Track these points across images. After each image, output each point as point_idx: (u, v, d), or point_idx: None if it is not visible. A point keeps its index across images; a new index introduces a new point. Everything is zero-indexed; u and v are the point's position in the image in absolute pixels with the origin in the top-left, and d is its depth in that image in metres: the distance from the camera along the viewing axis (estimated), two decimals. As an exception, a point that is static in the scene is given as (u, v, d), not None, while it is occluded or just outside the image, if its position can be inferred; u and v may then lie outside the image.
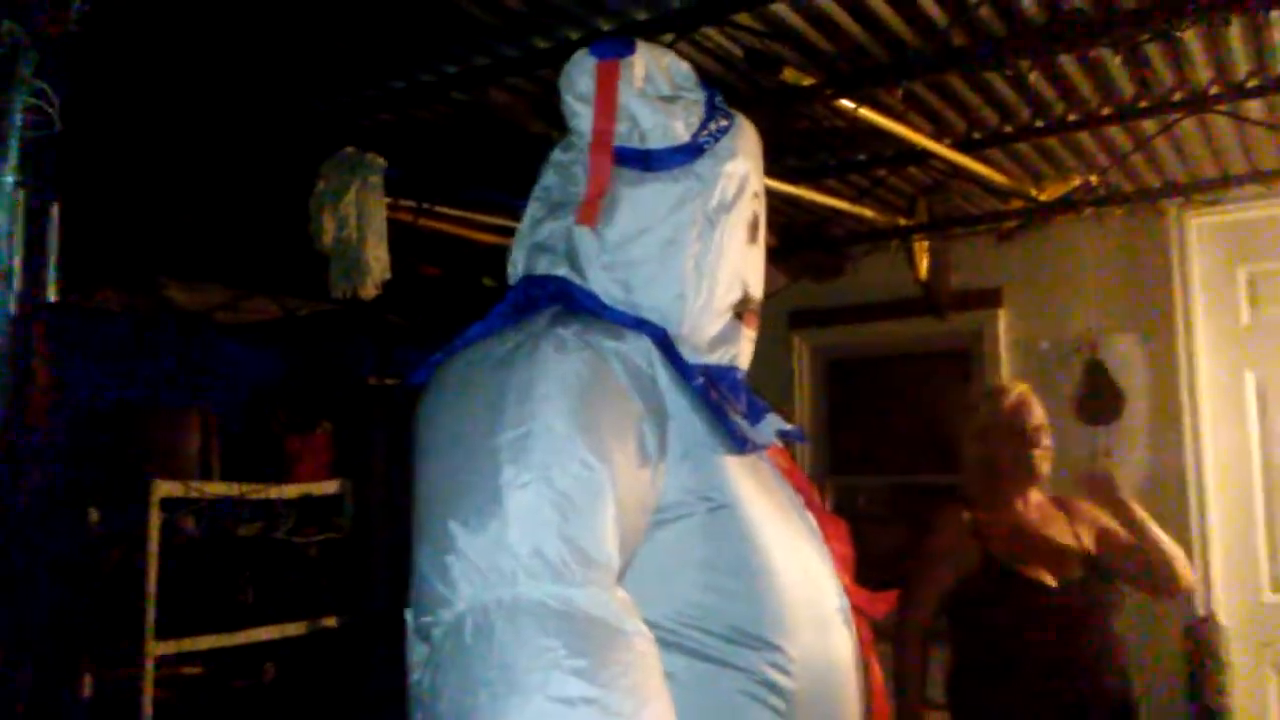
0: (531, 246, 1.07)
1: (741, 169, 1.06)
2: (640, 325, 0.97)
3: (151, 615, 3.33)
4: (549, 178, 1.08)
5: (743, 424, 1.00)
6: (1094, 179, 3.35)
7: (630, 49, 1.05)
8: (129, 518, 3.42)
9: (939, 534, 2.53)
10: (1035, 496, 2.54)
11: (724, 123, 1.07)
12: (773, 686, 0.91)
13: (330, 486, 4.02)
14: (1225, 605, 3.56)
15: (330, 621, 3.93)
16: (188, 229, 3.36)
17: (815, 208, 3.47)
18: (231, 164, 2.93)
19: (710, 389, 0.97)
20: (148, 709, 3.31)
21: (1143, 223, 3.76)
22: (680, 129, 1.03)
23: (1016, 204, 3.50)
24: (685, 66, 1.10)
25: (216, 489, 3.64)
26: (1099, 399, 3.76)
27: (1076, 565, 2.42)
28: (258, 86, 2.64)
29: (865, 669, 1.05)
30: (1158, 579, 2.45)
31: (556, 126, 2.82)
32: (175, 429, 3.59)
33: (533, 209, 1.08)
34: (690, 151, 1.03)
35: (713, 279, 1.03)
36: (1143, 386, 3.75)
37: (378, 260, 2.58)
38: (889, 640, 2.40)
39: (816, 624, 0.97)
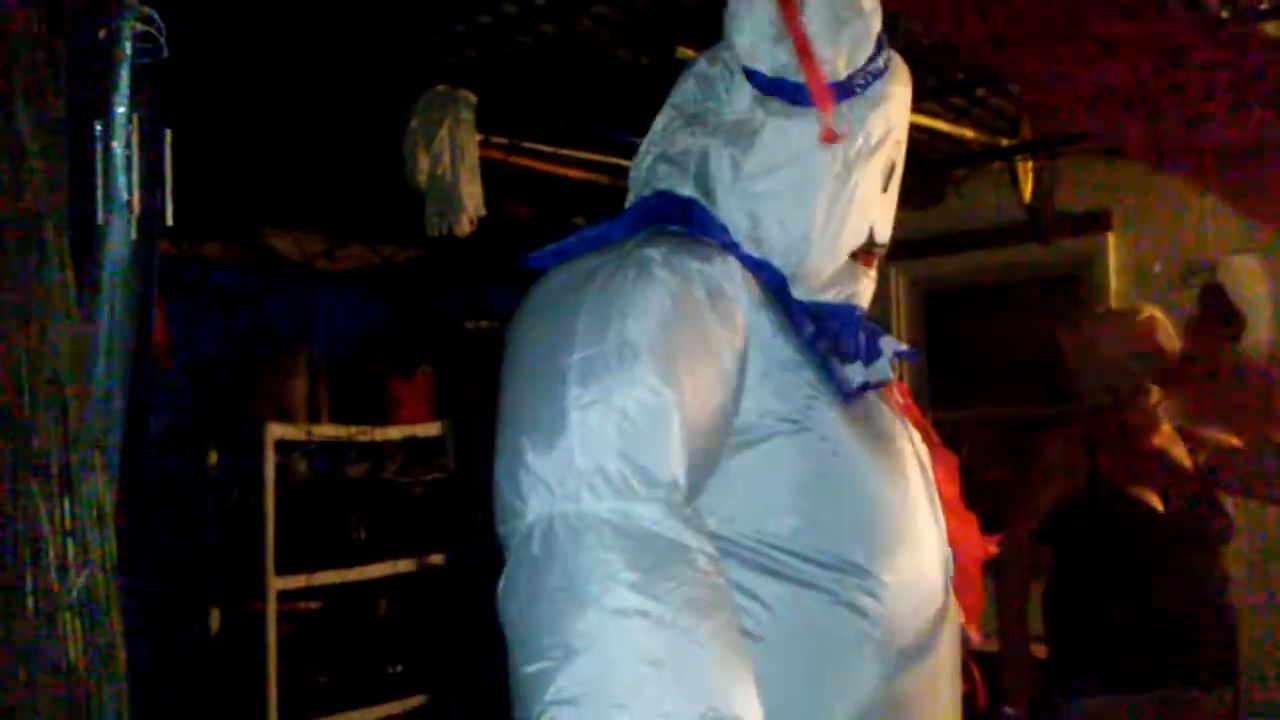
0: (659, 156, 1.05)
1: (888, 118, 1.03)
2: (759, 266, 0.98)
3: (271, 552, 3.47)
4: (687, 86, 1.06)
5: (850, 369, 0.99)
6: (1213, 86, 3.16)
7: None
8: (246, 460, 3.56)
9: (1047, 450, 2.47)
10: (1158, 424, 2.44)
11: (881, 65, 1.04)
12: (860, 610, 0.91)
13: (433, 428, 4.11)
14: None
15: (437, 558, 4.04)
16: (287, 177, 3.43)
17: (911, 130, 3.36)
18: (325, 109, 2.97)
19: (819, 338, 0.96)
20: (271, 641, 3.47)
21: (1265, 134, 3.54)
22: (840, 65, 1.01)
23: (1127, 118, 3.33)
24: None
25: (326, 431, 3.76)
26: (1217, 323, 3.59)
27: (1189, 490, 2.34)
28: (347, 30, 2.66)
29: (961, 609, 1.04)
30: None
31: (645, 53, 2.79)
32: (285, 374, 3.71)
33: (667, 118, 1.07)
34: (843, 91, 1.00)
35: (840, 223, 1.02)
36: (1264, 308, 3.56)
37: (471, 196, 2.60)
38: (991, 571, 2.36)
39: (911, 553, 0.97)
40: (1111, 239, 3.84)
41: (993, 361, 4.16)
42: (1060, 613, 2.43)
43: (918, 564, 0.97)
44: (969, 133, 3.45)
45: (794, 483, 0.92)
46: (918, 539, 0.98)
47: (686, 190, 1.03)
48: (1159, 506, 2.31)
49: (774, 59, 1.00)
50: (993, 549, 1.10)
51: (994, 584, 2.41)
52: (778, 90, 1.00)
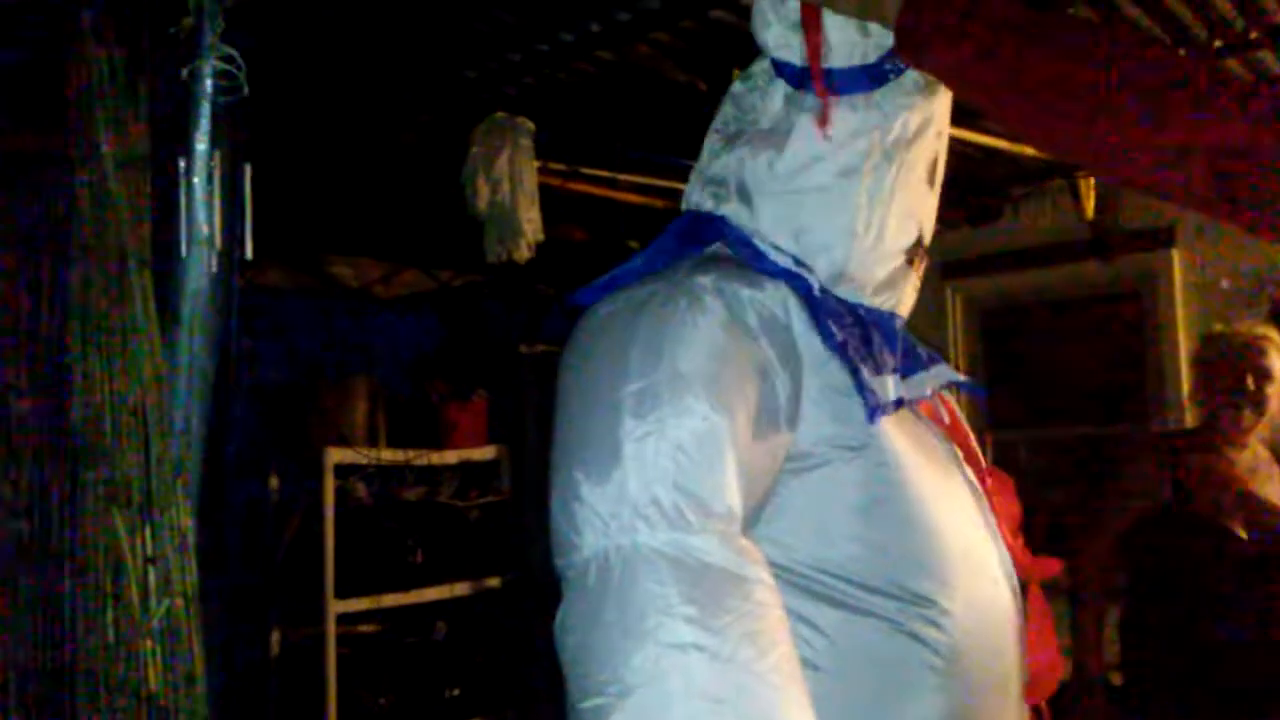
0: (706, 180, 1.04)
1: (927, 103, 1.00)
2: (787, 275, 0.94)
3: (331, 575, 3.51)
4: (726, 110, 1.06)
5: (884, 382, 0.95)
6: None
7: None
8: (306, 484, 3.61)
9: (1133, 465, 2.43)
10: (1254, 448, 2.37)
11: None
12: (923, 640, 0.89)
13: (488, 452, 4.14)
14: None
15: (493, 581, 4.06)
16: (347, 204, 3.49)
17: (969, 148, 3.33)
18: (386, 137, 3.02)
19: (847, 347, 0.93)
20: (331, 664, 3.50)
21: (1336, 145, 3.45)
22: (870, 49, 0.97)
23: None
24: None
25: (385, 455, 3.79)
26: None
27: (1272, 520, 2.26)
28: (409, 59, 2.71)
29: (1033, 630, 1.00)
30: None
31: (701, 77, 2.80)
32: (344, 399, 3.76)
33: (710, 142, 1.05)
34: (874, 77, 0.97)
35: (884, 217, 0.98)
36: (1338, 325, 3.47)
37: (530, 222, 2.62)
38: (1065, 597, 2.31)
39: (974, 579, 0.94)
40: (1176, 255, 3.76)
41: (1052, 381, 4.09)
42: (1135, 640, 2.37)
43: (982, 590, 0.94)
44: (1028, 149, 3.41)
45: (853, 508, 0.90)
46: (980, 564, 0.95)
47: (730, 206, 1.00)
48: (1240, 531, 2.24)
49: (802, 49, 0.98)
50: (1055, 571, 1.05)
51: (1070, 610, 2.36)
52: (801, 82, 0.98)
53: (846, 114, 0.97)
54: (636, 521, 0.78)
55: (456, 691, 3.96)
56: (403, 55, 2.68)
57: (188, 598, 1.28)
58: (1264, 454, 2.38)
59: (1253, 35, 2.71)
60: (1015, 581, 0.98)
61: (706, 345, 0.84)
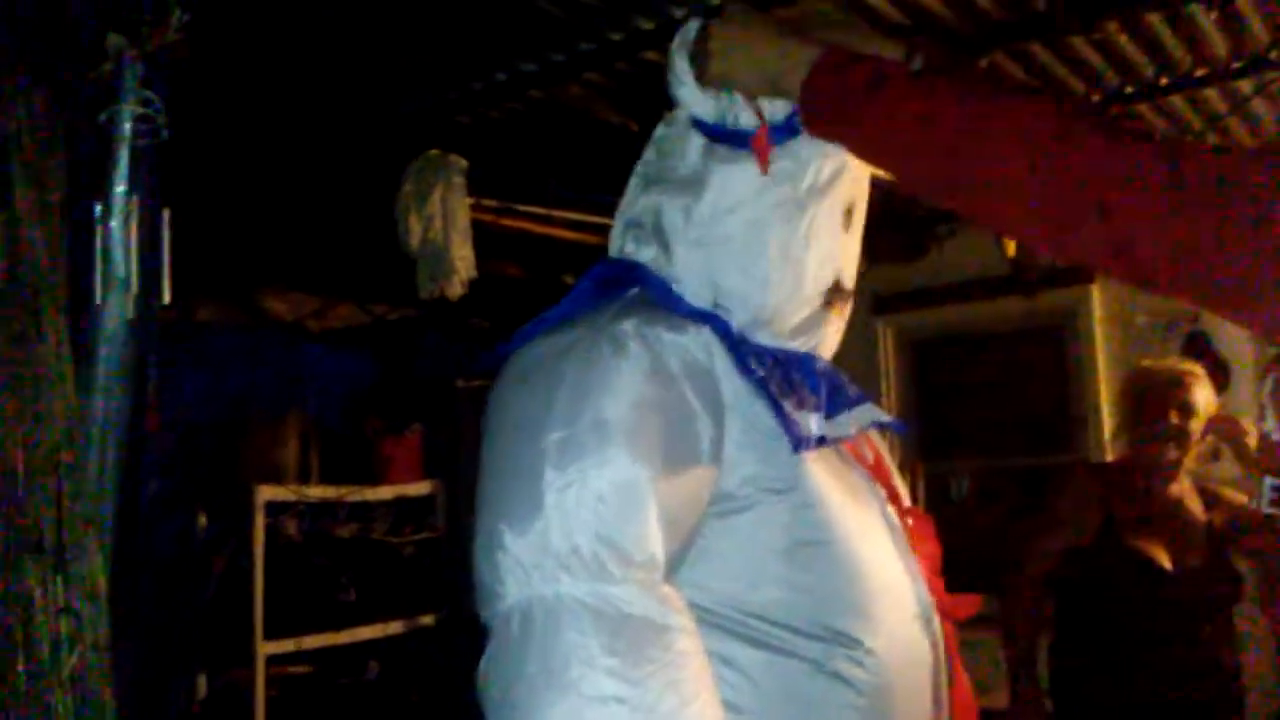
0: (626, 223, 1.06)
1: (840, 154, 1.01)
2: (706, 317, 0.96)
3: (260, 616, 3.44)
4: (649, 154, 1.07)
5: (806, 418, 0.96)
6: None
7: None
8: (235, 522, 3.54)
9: (1062, 496, 2.44)
10: (1181, 482, 2.40)
11: None
12: (846, 680, 0.89)
13: (423, 487, 4.10)
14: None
15: (428, 619, 4.01)
16: (280, 238, 3.46)
17: (896, 187, 3.42)
18: (320, 172, 3.01)
19: (769, 382, 0.94)
20: (259, 707, 3.42)
21: (1242, 187, 3.61)
22: (780, 106, 0.99)
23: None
24: None
25: (316, 492, 3.74)
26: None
27: (1201, 549, 2.30)
28: (340, 96, 2.71)
29: (949, 669, 1.02)
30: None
31: (633, 117, 2.84)
32: (276, 435, 3.71)
33: (631, 185, 1.07)
34: (785, 131, 0.99)
35: (800, 264, 1.00)
36: (1247, 357, 3.60)
37: (463, 259, 2.63)
38: (990, 625, 2.34)
39: (895, 618, 0.95)
40: (1095, 291, 3.89)
41: (979, 413, 4.18)
42: (1063, 672, 2.40)
43: (902, 629, 0.96)
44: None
45: (778, 551, 0.90)
46: (900, 602, 0.97)
47: (650, 252, 1.02)
48: (1167, 565, 2.27)
49: (716, 104, 1.01)
50: (974, 610, 1.07)
51: (1000, 635, 2.39)
52: (722, 135, 1.00)
53: (752, 166, 0.98)
54: (559, 572, 0.78)
55: (390, 732, 3.90)
56: (339, 92, 2.68)
57: (99, 647, 1.25)
58: (1189, 487, 2.41)
59: (1162, 81, 2.83)
60: (934, 621, 1.00)
61: (629, 393, 0.85)
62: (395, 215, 2.77)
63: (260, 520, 3.49)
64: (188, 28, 1.28)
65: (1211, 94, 2.94)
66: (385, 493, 3.98)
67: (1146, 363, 2.64)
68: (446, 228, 2.61)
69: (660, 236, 1.01)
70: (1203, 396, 2.37)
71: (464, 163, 2.71)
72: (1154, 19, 2.48)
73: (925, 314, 4.19)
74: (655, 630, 0.78)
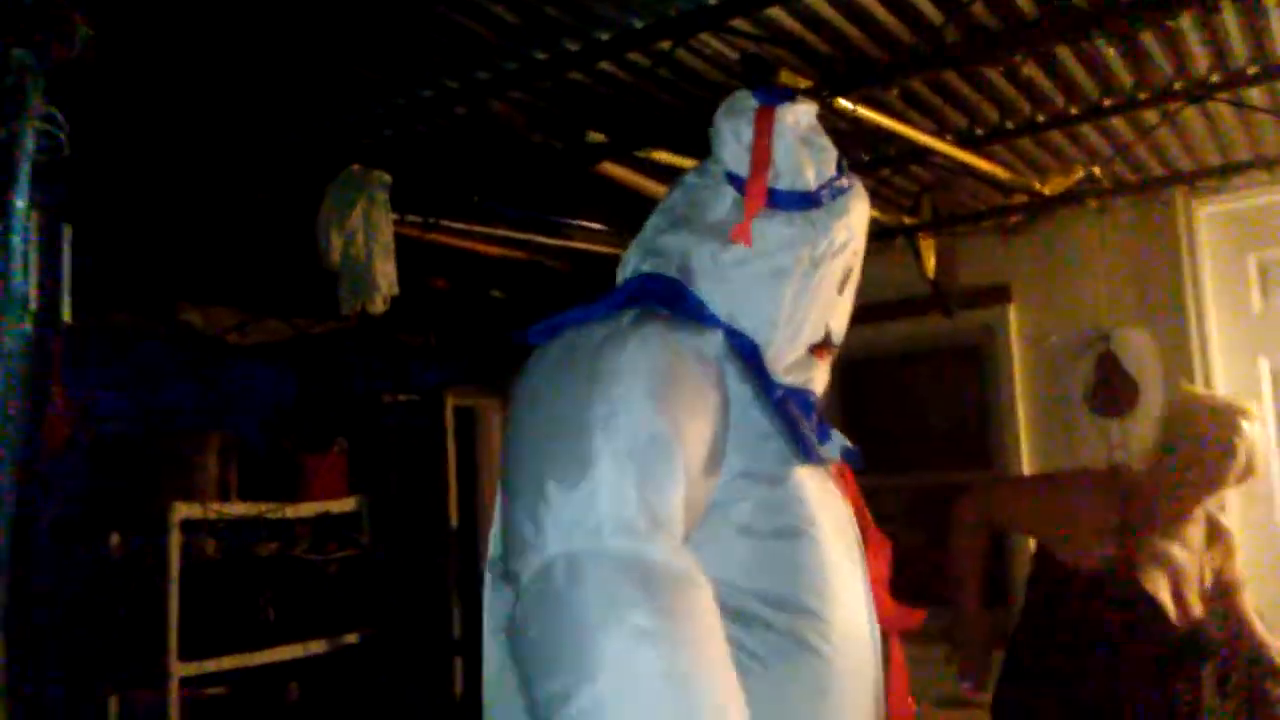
0: (647, 251, 1.20)
1: (849, 228, 1.18)
2: (729, 331, 1.11)
3: (175, 637, 3.35)
4: (675, 195, 1.22)
5: (810, 439, 1.12)
6: (1097, 171, 3.36)
7: (789, 98, 1.20)
8: (150, 541, 3.45)
9: (1085, 497, 2.36)
10: (1196, 520, 2.38)
11: (845, 184, 1.20)
12: (812, 650, 1.03)
13: (347, 504, 4.04)
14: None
15: (351, 638, 3.94)
16: (200, 251, 3.39)
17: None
18: (240, 185, 2.97)
19: (787, 403, 1.11)
20: (173, 731, 3.33)
21: (1150, 214, 3.75)
22: (810, 177, 1.17)
23: (1021, 199, 3.50)
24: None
25: (235, 509, 3.66)
26: (1112, 391, 3.74)
27: (1196, 600, 2.30)
28: (263, 108, 2.67)
29: (893, 677, 1.15)
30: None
31: (556, 137, 2.86)
32: (193, 451, 3.62)
33: (656, 220, 1.22)
34: (811, 200, 1.16)
35: (804, 316, 1.16)
36: (1156, 377, 3.73)
37: (385, 276, 2.61)
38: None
39: (847, 612, 1.08)
40: (1012, 311, 4.00)
41: (902, 430, 4.27)
42: (1028, 672, 2.35)
43: (854, 627, 1.09)
44: (873, 212, 3.58)
45: (753, 531, 1.04)
46: (855, 606, 1.10)
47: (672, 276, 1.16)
48: (1172, 615, 2.24)
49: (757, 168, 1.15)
50: (917, 623, 1.20)
51: (946, 557, 2.43)
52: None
53: (781, 226, 1.15)
54: (602, 528, 0.88)
55: (310, 754, 3.82)
56: (261, 104, 2.65)
57: (-8, 675, 1.22)
58: (1200, 524, 2.38)
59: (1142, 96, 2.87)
60: (878, 630, 1.14)
61: (658, 379, 0.97)
62: (316, 232, 2.73)
63: (176, 538, 3.40)
64: (93, 42, 1.26)
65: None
66: (307, 509, 3.90)
67: (1198, 390, 2.63)
68: (369, 243, 2.59)
69: (684, 270, 1.16)
70: (1250, 439, 2.30)
71: (387, 178, 2.70)
72: (1063, 52, 2.57)
73: (848, 332, 4.25)
74: (685, 583, 0.89)
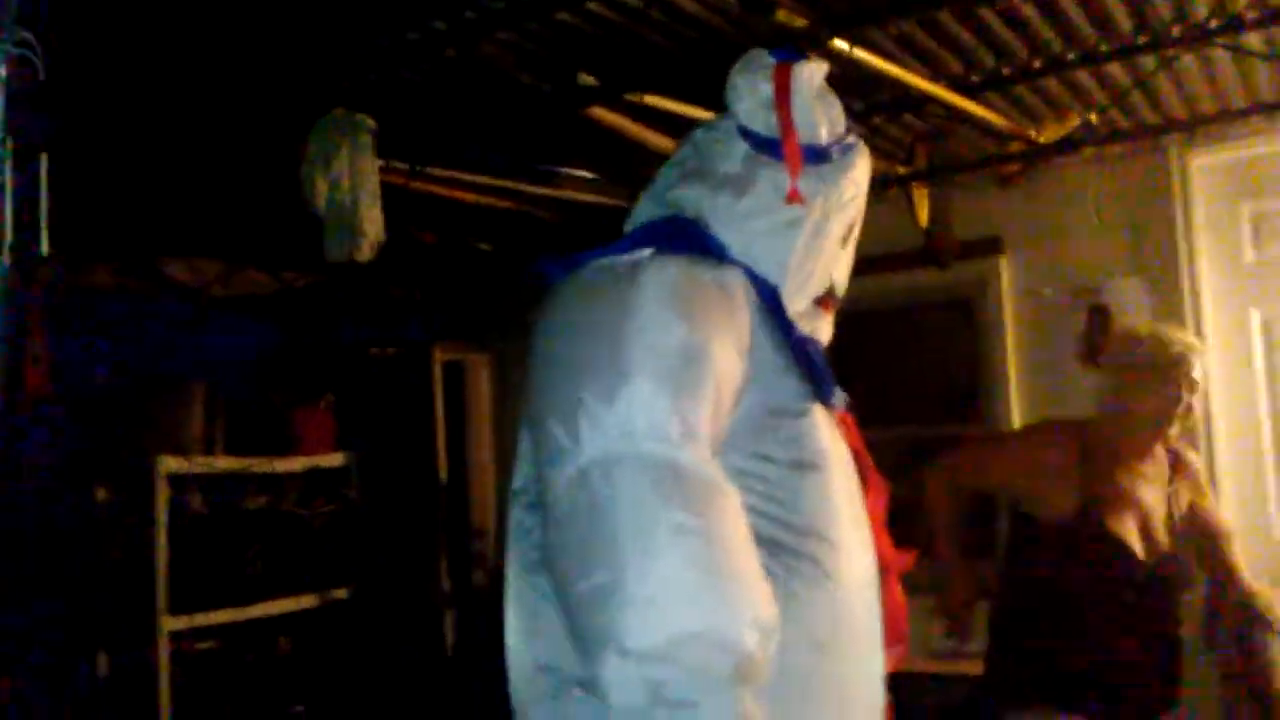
0: (661, 202, 1.23)
1: (856, 183, 1.24)
2: (749, 273, 1.14)
3: (163, 592, 3.34)
4: (685, 150, 1.26)
5: (828, 379, 1.17)
6: (1093, 118, 3.31)
7: (803, 56, 1.24)
8: (136, 495, 3.42)
9: (1049, 449, 2.36)
10: (1158, 458, 2.40)
11: (851, 140, 1.26)
12: (832, 577, 1.07)
13: (335, 458, 4.01)
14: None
15: (340, 593, 3.94)
16: (180, 202, 3.33)
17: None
18: (220, 132, 2.89)
19: (806, 343, 1.16)
20: (164, 685, 3.32)
21: (1144, 164, 3.72)
22: (823, 133, 1.22)
23: (1016, 147, 3.46)
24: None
25: (222, 464, 3.63)
26: (1104, 341, 3.74)
27: (1164, 535, 2.32)
28: (244, 52, 2.60)
29: (889, 612, 1.17)
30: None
31: (545, 79, 2.79)
32: (178, 405, 3.58)
33: (666, 173, 1.26)
34: (823, 155, 1.21)
35: (812, 266, 1.20)
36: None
37: (372, 222, 2.56)
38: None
39: (859, 547, 1.12)
40: (1004, 263, 3.97)
41: (894, 382, 4.25)
42: (1012, 635, 2.38)
43: (857, 558, 1.12)
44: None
45: (768, 457, 1.07)
46: (858, 540, 1.13)
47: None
48: (1140, 553, 2.27)
49: (768, 122, 1.20)
50: (910, 564, 1.23)
51: (925, 502, 2.49)
52: (771, 148, 1.19)
53: (801, 178, 1.18)
54: (636, 434, 0.93)
55: (301, 709, 3.82)
56: (242, 48, 2.57)
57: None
58: (1163, 460, 2.40)
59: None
60: (875, 563, 1.17)
61: (686, 302, 1.02)
62: (301, 178, 2.67)
63: (163, 492, 3.37)
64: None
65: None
66: (296, 464, 3.88)
67: (1144, 329, 2.57)
68: (355, 189, 2.54)
69: (699, 220, 1.19)
70: (1200, 370, 2.35)
71: (371, 122, 2.63)
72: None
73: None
74: (716, 488, 0.95)
